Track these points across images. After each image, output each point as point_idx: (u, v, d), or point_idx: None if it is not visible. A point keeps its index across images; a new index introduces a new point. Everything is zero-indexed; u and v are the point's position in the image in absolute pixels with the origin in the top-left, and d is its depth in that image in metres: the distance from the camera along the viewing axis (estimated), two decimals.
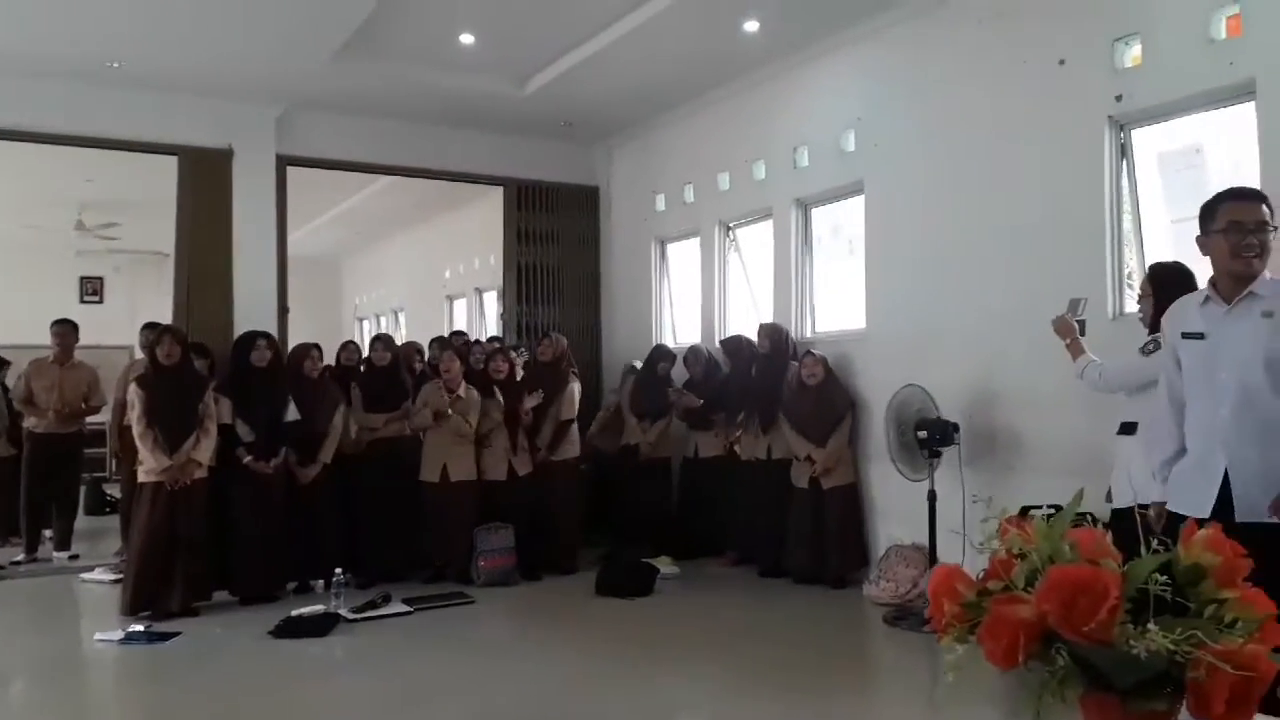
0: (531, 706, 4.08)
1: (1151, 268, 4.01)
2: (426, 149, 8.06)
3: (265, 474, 5.73)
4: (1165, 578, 0.95)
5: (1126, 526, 3.10)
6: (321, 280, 15.57)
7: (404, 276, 13.94)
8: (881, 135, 6.06)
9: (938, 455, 5.28)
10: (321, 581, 5.90)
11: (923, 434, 5.26)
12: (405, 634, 5.17)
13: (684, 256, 8.19)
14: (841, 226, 6.72)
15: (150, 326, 6.54)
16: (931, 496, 5.26)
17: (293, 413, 5.88)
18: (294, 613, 5.25)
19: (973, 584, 1.00)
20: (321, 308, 14.81)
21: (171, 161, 7.16)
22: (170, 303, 7.28)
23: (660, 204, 8.23)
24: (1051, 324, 4.06)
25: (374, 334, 7.33)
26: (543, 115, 7.72)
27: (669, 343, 7.96)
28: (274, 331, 6.73)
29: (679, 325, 8.33)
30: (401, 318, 14.47)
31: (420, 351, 6.94)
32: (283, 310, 7.43)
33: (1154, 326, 3.72)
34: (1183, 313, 3.02)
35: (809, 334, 6.77)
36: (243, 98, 7.12)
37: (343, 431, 6.11)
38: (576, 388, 6.71)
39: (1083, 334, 4.01)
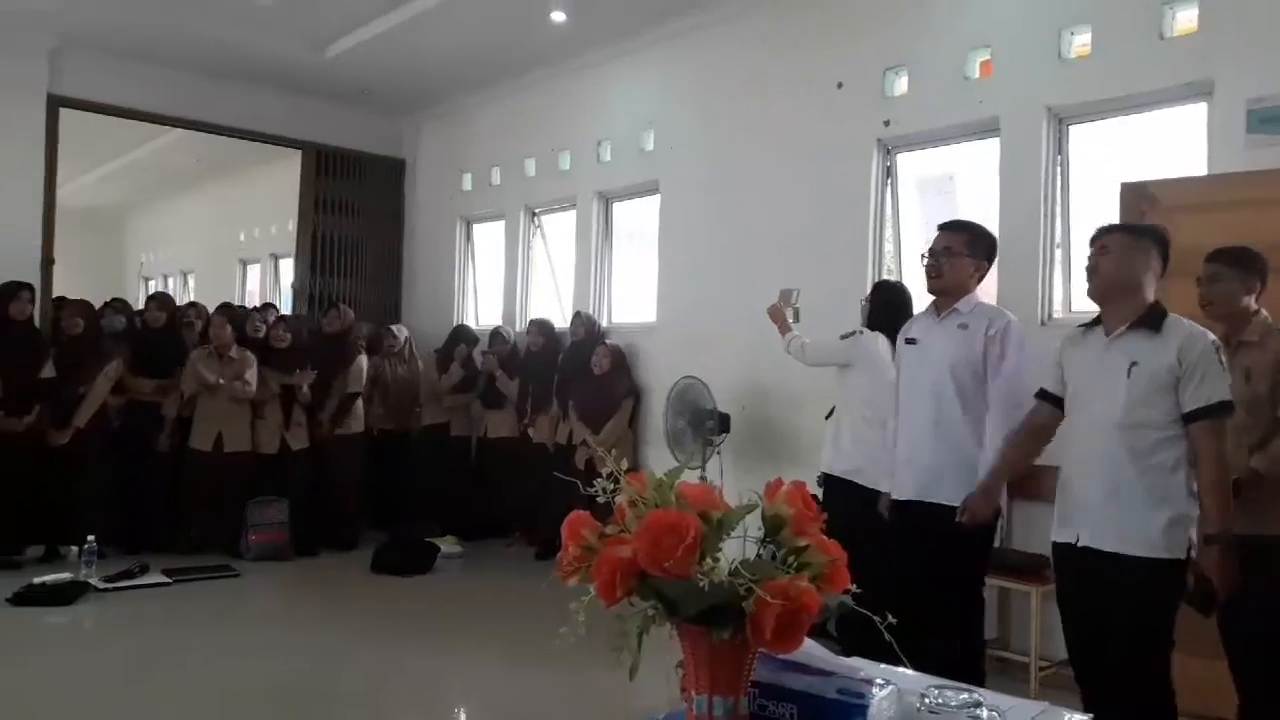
0: (287, 678, 4.04)
1: (877, 283, 4.52)
2: (220, 103, 7.66)
3: (15, 431, 5.35)
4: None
5: (833, 492, 3.57)
6: (102, 235, 14.52)
7: (195, 237, 13.15)
8: (677, 138, 6.30)
9: (711, 444, 5.57)
10: (74, 549, 5.57)
11: (711, 423, 5.54)
12: (161, 605, 4.99)
13: (489, 238, 8.19)
14: (645, 221, 6.93)
15: None
16: (703, 481, 5.53)
17: (50, 370, 5.53)
18: (37, 580, 4.95)
19: (597, 528, 1.13)
20: (102, 264, 13.82)
21: None
22: None
23: (467, 183, 8.19)
24: (767, 311, 4.49)
25: (149, 294, 6.91)
26: (345, 81, 7.51)
27: (470, 324, 7.92)
28: (37, 284, 6.25)
29: (481, 307, 8.33)
30: (191, 280, 13.69)
31: (199, 315, 6.65)
32: (47, 262, 6.91)
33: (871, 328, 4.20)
34: (909, 323, 3.43)
35: (606, 323, 6.94)
36: (6, 22, 6.51)
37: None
38: (364, 361, 6.60)
39: (796, 320, 4.46)
